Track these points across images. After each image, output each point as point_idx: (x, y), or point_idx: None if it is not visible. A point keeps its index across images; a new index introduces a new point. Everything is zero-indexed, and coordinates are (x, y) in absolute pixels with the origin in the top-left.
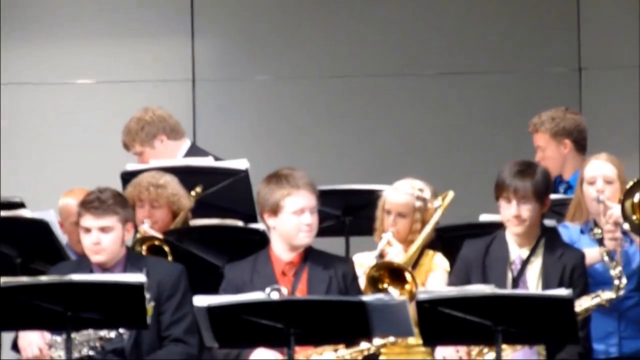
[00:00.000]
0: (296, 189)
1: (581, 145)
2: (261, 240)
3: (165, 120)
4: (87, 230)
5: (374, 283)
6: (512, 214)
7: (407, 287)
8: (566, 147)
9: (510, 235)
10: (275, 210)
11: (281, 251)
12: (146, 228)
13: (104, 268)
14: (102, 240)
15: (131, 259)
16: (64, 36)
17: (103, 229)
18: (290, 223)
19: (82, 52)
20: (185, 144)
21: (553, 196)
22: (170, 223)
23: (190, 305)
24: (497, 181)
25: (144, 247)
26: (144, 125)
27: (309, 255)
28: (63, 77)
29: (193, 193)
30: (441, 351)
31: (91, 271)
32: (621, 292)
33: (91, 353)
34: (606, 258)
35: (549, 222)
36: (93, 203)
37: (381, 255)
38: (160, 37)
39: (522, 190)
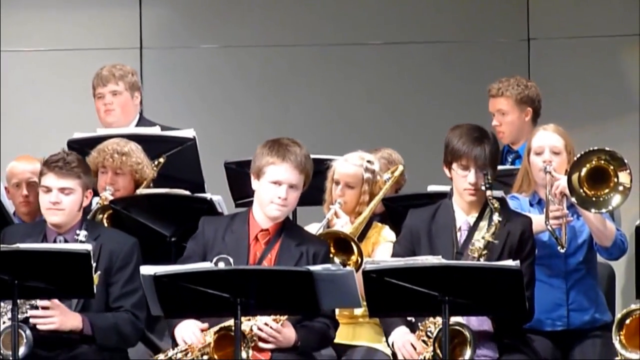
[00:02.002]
0: (281, 160)
1: (538, 116)
2: (208, 210)
3: None
4: (48, 189)
5: None
6: (471, 182)
7: (353, 257)
8: (527, 115)
9: (456, 203)
10: (258, 174)
11: (260, 217)
12: (107, 195)
13: (58, 233)
14: (62, 200)
15: (86, 226)
16: (12, 4)
17: (63, 190)
18: (266, 191)
19: (30, 20)
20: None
21: (501, 167)
22: (133, 191)
23: (140, 280)
24: (451, 148)
25: (105, 215)
26: (135, 74)
27: (287, 228)
28: (11, 45)
29: (156, 163)
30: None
31: (45, 235)
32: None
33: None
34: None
35: (496, 193)
36: (57, 163)
37: (328, 226)
38: (108, 5)
39: (482, 158)
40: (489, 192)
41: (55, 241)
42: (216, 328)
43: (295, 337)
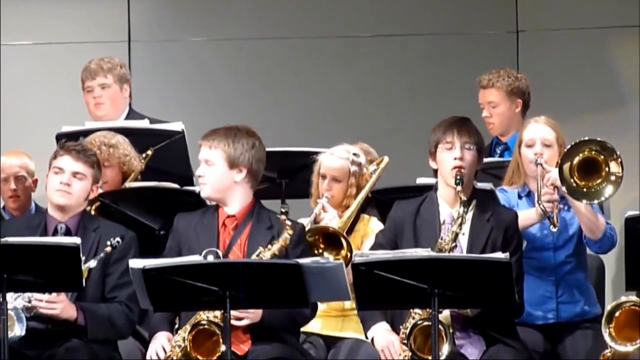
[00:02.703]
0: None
1: (527, 108)
2: (197, 203)
3: None
4: (60, 170)
5: (309, 248)
6: (457, 156)
7: (342, 252)
8: (517, 106)
9: (442, 196)
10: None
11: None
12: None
13: (59, 221)
14: (72, 183)
15: (86, 218)
16: None
17: (76, 174)
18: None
19: (18, 13)
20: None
21: (490, 159)
22: (120, 184)
23: None
24: (434, 132)
25: (93, 207)
26: (124, 66)
27: (256, 212)
28: None
29: (144, 155)
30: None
31: (45, 225)
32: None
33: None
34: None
35: (484, 185)
36: (76, 147)
37: (316, 221)
38: None
39: (466, 133)
40: (459, 188)
41: (56, 230)
42: (188, 327)
43: None
